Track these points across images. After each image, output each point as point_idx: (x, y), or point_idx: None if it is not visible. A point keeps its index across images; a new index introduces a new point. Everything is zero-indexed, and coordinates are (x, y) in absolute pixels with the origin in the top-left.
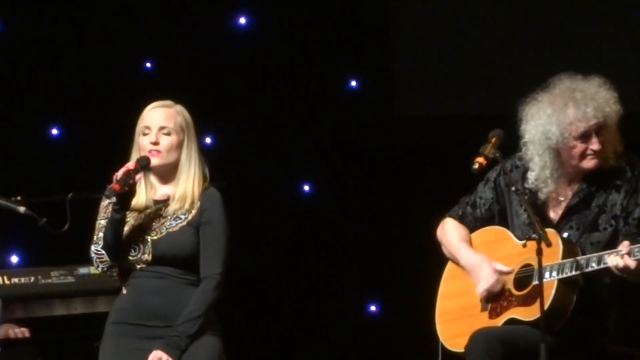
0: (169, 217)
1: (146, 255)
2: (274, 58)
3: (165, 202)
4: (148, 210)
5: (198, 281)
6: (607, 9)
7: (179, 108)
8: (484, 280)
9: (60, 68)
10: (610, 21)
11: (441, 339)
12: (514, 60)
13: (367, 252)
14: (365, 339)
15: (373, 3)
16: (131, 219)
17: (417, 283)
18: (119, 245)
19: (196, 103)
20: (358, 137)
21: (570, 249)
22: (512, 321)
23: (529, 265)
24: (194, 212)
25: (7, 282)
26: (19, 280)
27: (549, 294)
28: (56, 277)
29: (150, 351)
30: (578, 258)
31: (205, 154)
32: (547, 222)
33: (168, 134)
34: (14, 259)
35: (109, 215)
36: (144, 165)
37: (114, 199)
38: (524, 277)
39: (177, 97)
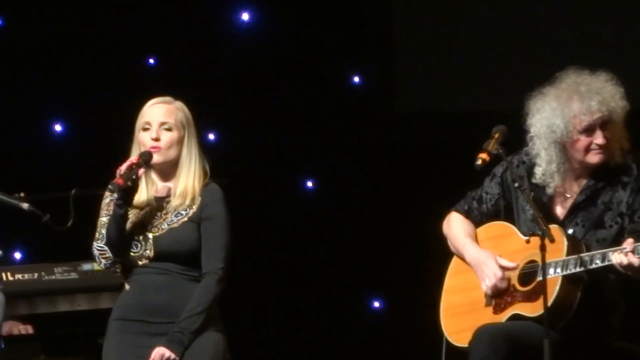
0: (170, 213)
1: (148, 252)
2: (277, 54)
3: (166, 199)
4: (149, 207)
5: (200, 277)
6: (613, 4)
7: (179, 104)
8: (489, 277)
9: (63, 64)
10: (616, 16)
11: (445, 333)
12: (516, 56)
13: (370, 248)
14: (369, 335)
15: None
16: (132, 216)
17: (421, 279)
18: (121, 241)
19: (199, 99)
20: (361, 133)
21: (575, 246)
22: (516, 317)
23: (533, 261)
24: (195, 207)
25: (10, 278)
26: (23, 277)
27: (553, 290)
28: (60, 274)
29: (153, 348)
30: (582, 255)
31: (208, 150)
32: (553, 218)
33: (169, 130)
34: (18, 255)
35: (112, 211)
36: (146, 159)
37: (116, 195)
38: (528, 273)
39: (180, 94)
